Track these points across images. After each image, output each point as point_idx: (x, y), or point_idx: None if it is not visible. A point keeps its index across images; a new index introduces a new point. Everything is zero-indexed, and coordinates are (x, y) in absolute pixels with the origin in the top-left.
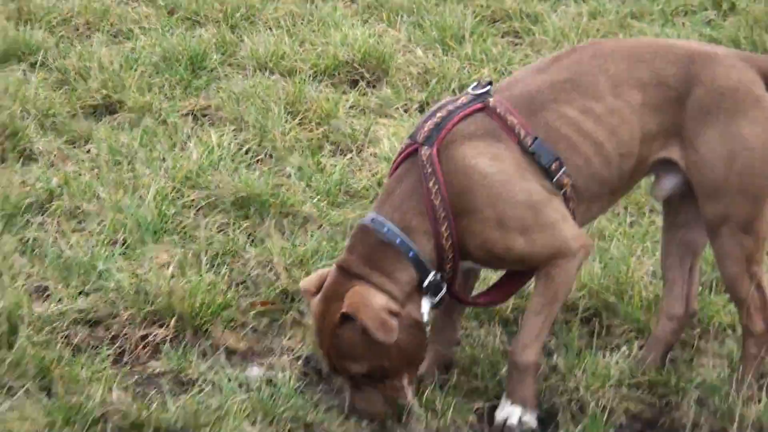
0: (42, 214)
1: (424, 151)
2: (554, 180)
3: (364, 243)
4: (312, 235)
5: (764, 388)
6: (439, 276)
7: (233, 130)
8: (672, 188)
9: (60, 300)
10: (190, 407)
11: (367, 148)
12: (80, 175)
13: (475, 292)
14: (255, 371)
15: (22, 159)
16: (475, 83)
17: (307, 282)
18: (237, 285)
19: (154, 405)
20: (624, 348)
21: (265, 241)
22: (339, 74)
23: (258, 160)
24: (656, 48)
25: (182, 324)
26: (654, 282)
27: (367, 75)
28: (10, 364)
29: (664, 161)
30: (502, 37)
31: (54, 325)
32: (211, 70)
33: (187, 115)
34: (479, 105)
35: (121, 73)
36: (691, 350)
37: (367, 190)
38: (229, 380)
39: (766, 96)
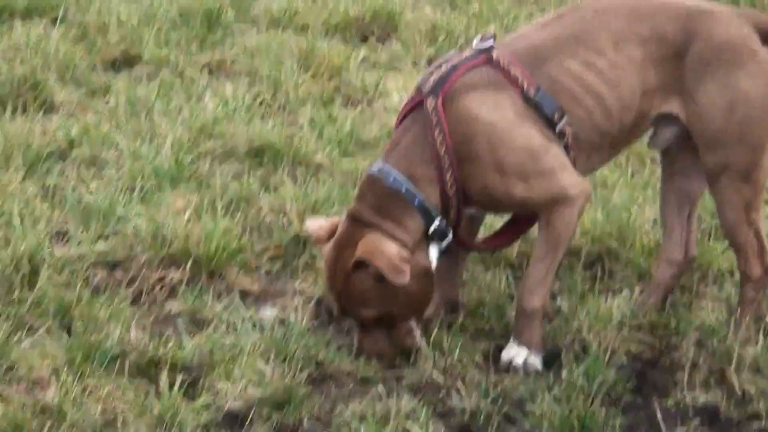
0: (62, 162)
1: (430, 102)
2: (556, 129)
3: (372, 192)
4: (323, 183)
5: (761, 331)
6: (444, 222)
7: (247, 83)
8: (669, 138)
9: (80, 243)
10: (206, 346)
11: (377, 100)
12: (99, 124)
13: (480, 237)
14: (268, 312)
15: (43, 110)
16: (479, 37)
17: (317, 229)
18: (251, 230)
19: (171, 343)
20: (625, 291)
21: (278, 188)
22: (350, 30)
23: (271, 112)
24: (656, 5)
25: (198, 267)
26: (654, 229)
27: (377, 31)
28: (31, 304)
29: (665, 116)
30: None
31: (74, 267)
32: (226, 26)
33: (203, 68)
34: (483, 58)
35: (139, 28)
36: (690, 294)
37: (377, 140)
38: (243, 320)
39: (761, 50)
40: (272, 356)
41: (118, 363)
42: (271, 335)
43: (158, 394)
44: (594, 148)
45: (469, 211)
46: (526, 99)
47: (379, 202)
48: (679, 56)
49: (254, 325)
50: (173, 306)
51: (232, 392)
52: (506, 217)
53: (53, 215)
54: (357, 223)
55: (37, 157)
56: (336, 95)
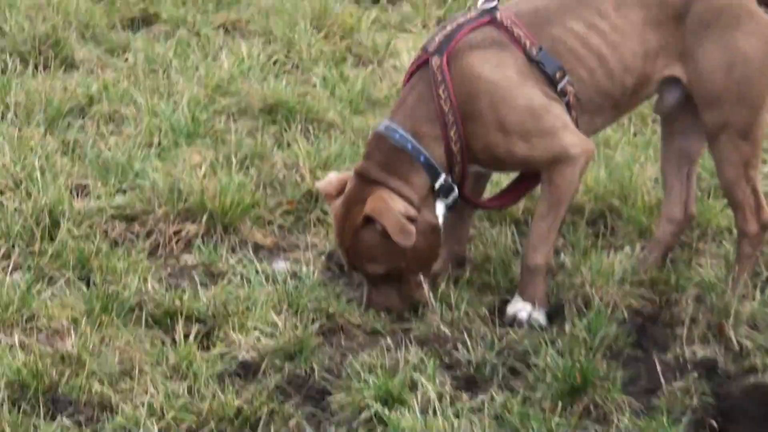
0: (82, 118)
1: (435, 61)
2: (558, 89)
3: (379, 149)
4: (335, 140)
5: (758, 286)
6: (449, 179)
7: (262, 42)
8: (673, 103)
9: (99, 197)
10: (220, 297)
11: (388, 60)
12: (118, 82)
13: (486, 196)
14: (281, 265)
15: (64, 67)
16: None
17: (327, 185)
18: (264, 185)
19: (187, 295)
20: (627, 248)
21: (291, 145)
22: None
23: (285, 71)
24: None
25: (213, 221)
26: (656, 187)
27: None
28: (52, 255)
29: (668, 80)
30: None
31: (93, 220)
32: None
33: (219, 27)
34: (487, 18)
35: None
36: (690, 251)
37: (387, 99)
38: (257, 273)
39: (759, 11)
40: (284, 308)
41: (135, 314)
42: (284, 288)
43: (174, 344)
44: (596, 109)
45: (475, 169)
46: (529, 58)
47: (385, 160)
48: (680, 19)
49: (267, 278)
50: (189, 259)
51: (245, 343)
52: (513, 175)
53: (73, 170)
54: (364, 180)
55: (58, 113)
56: (348, 55)
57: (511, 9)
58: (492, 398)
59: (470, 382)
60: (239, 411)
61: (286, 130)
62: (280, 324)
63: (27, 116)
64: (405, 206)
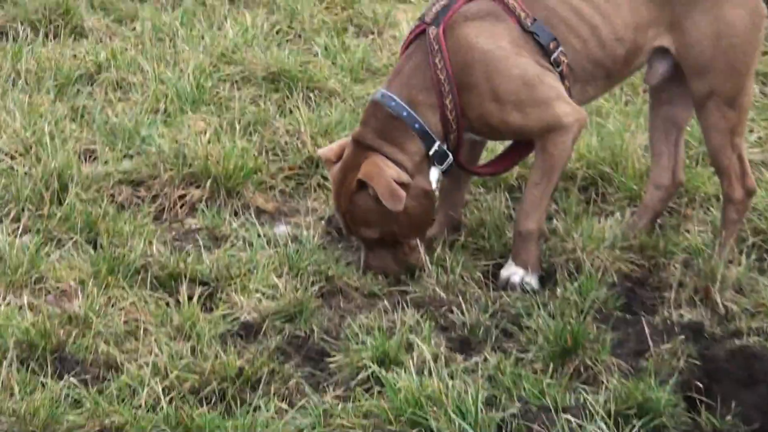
0: (91, 85)
1: (431, 31)
2: (552, 59)
3: (375, 117)
4: (336, 108)
5: (743, 252)
6: (444, 146)
7: (266, 12)
8: (663, 73)
9: (106, 162)
10: (223, 260)
11: (388, 30)
12: (126, 50)
13: (481, 162)
14: (282, 229)
15: (73, 35)
16: None
17: (327, 151)
18: (267, 151)
19: (190, 257)
20: (617, 214)
21: (293, 112)
22: None
23: (288, 40)
24: None
25: (217, 185)
26: (646, 155)
27: None
28: (60, 219)
29: (658, 50)
30: None
31: (100, 184)
32: None
33: None
34: None
35: None
36: (678, 217)
37: (387, 68)
38: (259, 236)
39: None
40: (285, 271)
41: (140, 276)
42: (284, 251)
43: (178, 305)
44: (588, 78)
45: (470, 137)
46: (523, 29)
47: (381, 127)
48: None
49: (269, 242)
50: (193, 222)
51: (247, 305)
52: (507, 143)
53: (82, 135)
54: (360, 147)
55: (67, 80)
56: (349, 25)
57: None
58: (485, 359)
59: (464, 344)
60: (240, 371)
61: (288, 98)
62: (280, 286)
63: (37, 83)
64: (398, 172)
